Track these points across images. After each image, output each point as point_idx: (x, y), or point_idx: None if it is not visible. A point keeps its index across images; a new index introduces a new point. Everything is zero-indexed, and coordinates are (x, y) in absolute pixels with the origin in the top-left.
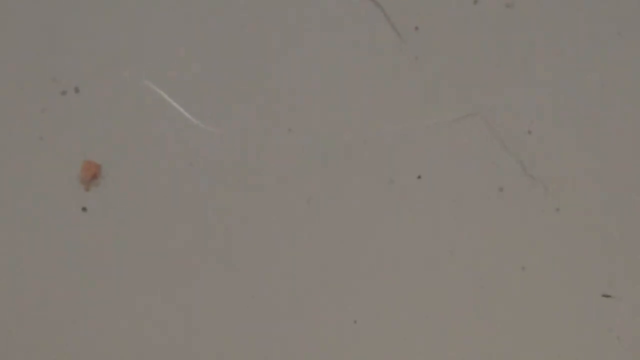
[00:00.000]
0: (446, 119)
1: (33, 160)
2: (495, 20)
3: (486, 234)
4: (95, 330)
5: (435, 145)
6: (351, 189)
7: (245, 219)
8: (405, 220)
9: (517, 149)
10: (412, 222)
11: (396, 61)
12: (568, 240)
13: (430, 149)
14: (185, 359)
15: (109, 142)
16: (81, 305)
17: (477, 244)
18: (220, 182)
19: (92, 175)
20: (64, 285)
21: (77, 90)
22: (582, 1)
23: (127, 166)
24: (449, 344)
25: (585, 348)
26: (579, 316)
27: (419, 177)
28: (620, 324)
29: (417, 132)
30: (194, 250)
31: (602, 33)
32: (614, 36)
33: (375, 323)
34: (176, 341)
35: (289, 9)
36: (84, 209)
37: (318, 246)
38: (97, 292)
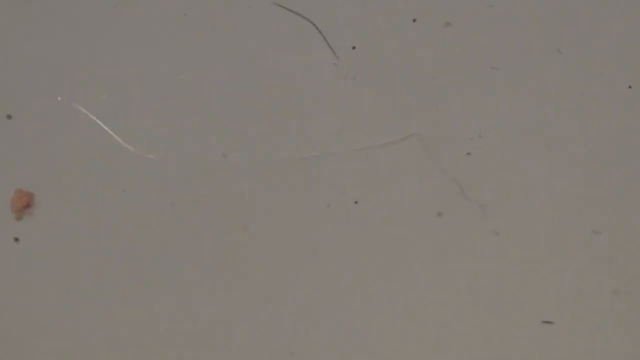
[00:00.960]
0: (384, 141)
1: None
2: (433, 39)
3: (424, 259)
4: None
5: (372, 168)
6: (287, 213)
7: (181, 245)
8: (342, 245)
9: (455, 171)
10: (349, 247)
11: (333, 81)
12: (507, 264)
13: (367, 173)
14: None
15: (41, 170)
16: (12, 338)
17: (415, 269)
18: (154, 208)
19: (24, 205)
20: None
21: (9, 117)
22: (520, 19)
23: (61, 194)
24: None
25: None
26: (517, 344)
27: (356, 202)
28: (561, 351)
29: (353, 154)
30: (129, 279)
31: (541, 51)
32: (553, 53)
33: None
34: None
35: (223, 27)
36: (16, 239)
37: (254, 272)
38: (28, 325)
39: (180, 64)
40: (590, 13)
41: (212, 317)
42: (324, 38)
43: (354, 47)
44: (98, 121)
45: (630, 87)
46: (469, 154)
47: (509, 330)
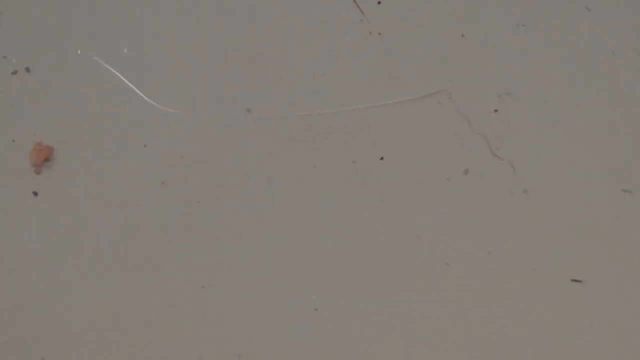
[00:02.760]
0: (410, 98)
1: None
2: None
3: (452, 217)
4: (45, 318)
5: (398, 125)
6: (312, 169)
7: (202, 199)
8: (369, 202)
9: (483, 128)
10: (375, 204)
11: (358, 37)
12: (536, 222)
13: (393, 129)
14: (143, 350)
15: (60, 124)
16: (33, 292)
17: (443, 228)
18: (176, 164)
19: (43, 158)
20: (14, 273)
21: (28, 69)
22: None
23: (80, 148)
24: (415, 329)
25: (554, 334)
26: (547, 301)
27: (382, 158)
28: (590, 310)
29: (379, 111)
30: (149, 234)
31: (569, 8)
32: (582, 11)
33: (338, 308)
34: (129, 329)
35: None
36: (35, 194)
37: (278, 228)
38: (48, 279)
39: (204, 19)
40: None
41: (237, 269)
42: None
43: (379, 2)
44: (119, 74)
45: None
46: (496, 111)
47: (537, 289)
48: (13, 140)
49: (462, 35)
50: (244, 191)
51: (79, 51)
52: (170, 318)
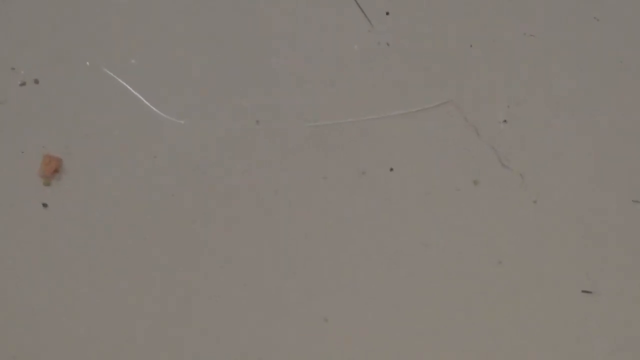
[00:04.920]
0: (419, 108)
1: None
2: (468, 6)
3: (461, 228)
4: (51, 328)
5: (407, 135)
6: (321, 180)
7: (211, 210)
8: (377, 213)
9: (492, 139)
10: (384, 215)
11: (366, 48)
12: (546, 233)
13: (403, 140)
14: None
15: (69, 135)
16: (40, 304)
17: (452, 238)
18: (185, 174)
19: (52, 170)
20: (22, 285)
21: (36, 81)
22: None
23: (89, 160)
24: (424, 338)
25: (564, 345)
26: (557, 312)
27: (392, 169)
28: (600, 321)
29: (388, 121)
30: (158, 244)
31: (577, 18)
32: (590, 21)
33: (347, 319)
34: (137, 340)
35: None
36: (45, 205)
37: (286, 238)
38: (58, 290)
39: (212, 31)
40: None
41: (246, 279)
42: (358, 4)
43: (387, 13)
44: (128, 86)
45: None
46: (505, 121)
47: (547, 300)
48: (22, 152)
49: (471, 46)
50: (253, 202)
51: (87, 62)
52: (179, 327)
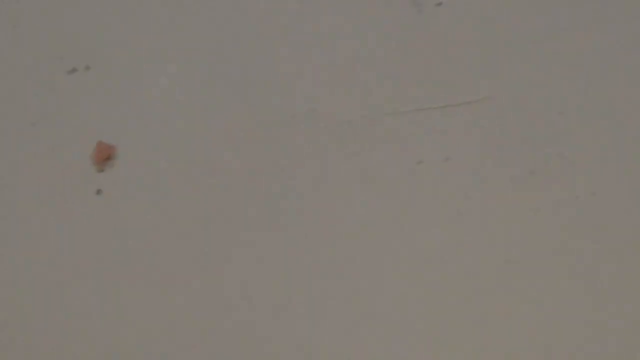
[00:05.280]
0: (475, 98)
1: (44, 142)
2: None
3: (518, 218)
4: (107, 314)
5: (464, 126)
6: (378, 169)
7: (263, 200)
8: (433, 202)
9: (548, 130)
10: (439, 204)
11: (422, 37)
12: (606, 225)
13: (459, 129)
14: (203, 339)
15: (123, 122)
16: (95, 289)
17: (509, 229)
18: (241, 162)
19: (106, 157)
20: (77, 270)
21: (87, 68)
22: None
23: (142, 146)
24: (479, 326)
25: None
26: (616, 306)
27: (447, 159)
28: None
29: (445, 111)
30: (211, 232)
31: (624, 9)
32: (638, 12)
33: (414, 295)
34: (188, 323)
35: None
36: (99, 192)
37: (343, 225)
38: (111, 276)
39: (262, 20)
40: None
41: (291, 263)
42: None
43: (439, 4)
44: (179, 72)
45: None
46: (561, 113)
47: (609, 292)
48: (75, 139)
49: (526, 37)
50: (309, 189)
51: (138, 48)
52: (244, 310)
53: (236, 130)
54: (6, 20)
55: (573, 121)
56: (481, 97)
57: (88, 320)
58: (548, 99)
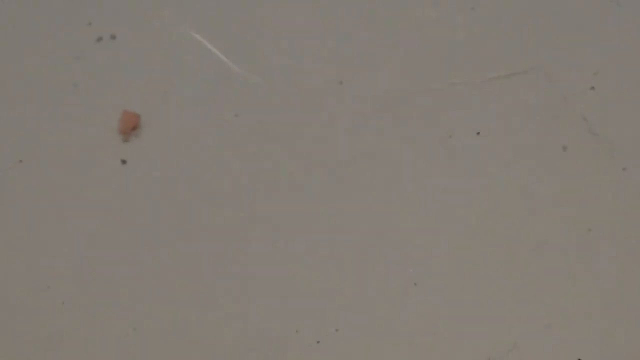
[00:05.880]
0: (506, 73)
1: (69, 111)
2: None
3: (550, 194)
4: (130, 284)
5: (495, 100)
6: (407, 143)
7: (293, 172)
8: (463, 177)
9: (580, 105)
10: (470, 179)
11: (452, 12)
12: (636, 200)
13: (490, 104)
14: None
15: (148, 91)
16: (118, 259)
17: (540, 205)
18: (265, 135)
19: (131, 126)
20: (102, 241)
21: (113, 36)
22: None
23: (168, 116)
24: (504, 304)
25: None
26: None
27: (478, 133)
28: None
29: (476, 85)
30: (237, 204)
31: None
32: None
33: (435, 280)
34: (207, 301)
35: None
36: (124, 162)
37: (370, 199)
38: (135, 246)
39: None
40: None
41: (304, 249)
42: None
43: None
44: (205, 42)
45: None
46: (593, 88)
47: (637, 267)
48: (100, 109)
49: (558, 12)
50: (334, 165)
51: (165, 17)
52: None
53: (264, 105)
54: None
55: (606, 97)
56: (514, 71)
57: (114, 292)
58: (581, 74)
